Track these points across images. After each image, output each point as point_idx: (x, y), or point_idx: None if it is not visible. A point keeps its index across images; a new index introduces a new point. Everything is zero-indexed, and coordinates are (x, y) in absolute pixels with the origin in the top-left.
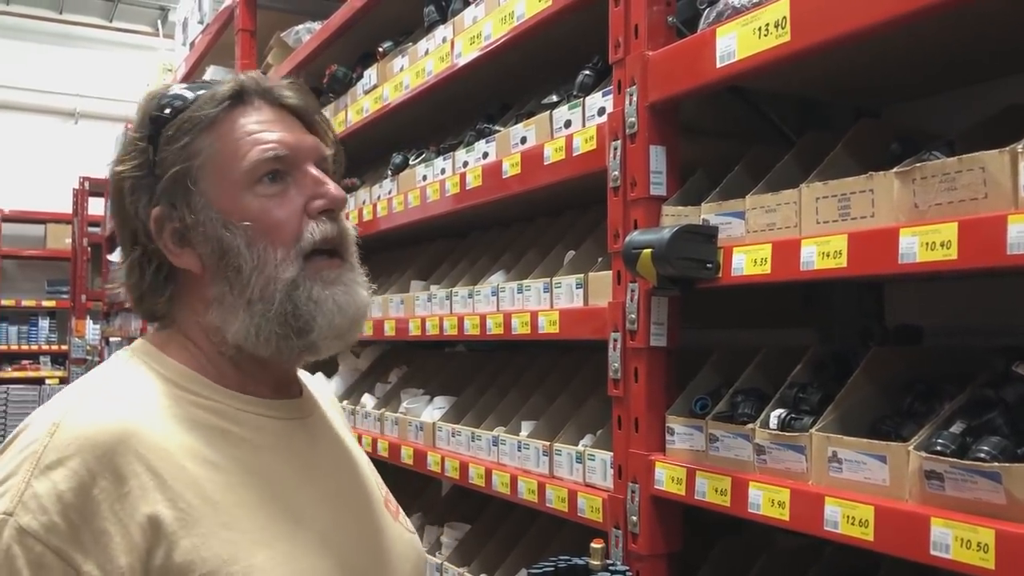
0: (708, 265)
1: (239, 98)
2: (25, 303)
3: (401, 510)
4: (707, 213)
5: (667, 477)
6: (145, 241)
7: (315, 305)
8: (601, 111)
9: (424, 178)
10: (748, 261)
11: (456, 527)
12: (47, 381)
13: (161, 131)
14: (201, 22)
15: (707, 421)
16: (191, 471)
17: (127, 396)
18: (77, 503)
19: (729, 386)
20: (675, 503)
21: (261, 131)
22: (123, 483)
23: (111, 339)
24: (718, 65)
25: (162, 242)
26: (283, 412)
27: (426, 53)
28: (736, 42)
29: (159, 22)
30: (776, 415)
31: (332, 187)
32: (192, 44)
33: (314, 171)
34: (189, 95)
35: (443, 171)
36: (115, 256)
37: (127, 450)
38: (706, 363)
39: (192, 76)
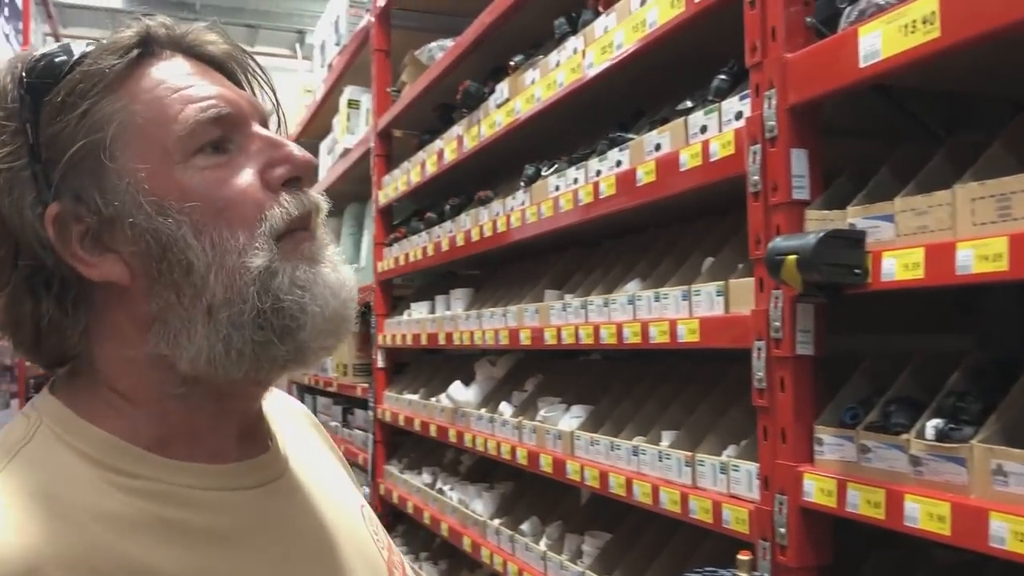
0: (856, 271)
1: (147, 47)
2: None
3: (406, 564)
4: (853, 217)
5: (816, 489)
6: (39, 254)
7: (302, 291)
8: (738, 115)
9: (557, 188)
10: (899, 266)
11: (597, 536)
12: None
13: (42, 101)
14: (338, 44)
15: (858, 431)
16: None
17: (31, 495)
18: None
19: (880, 395)
20: (825, 515)
21: (190, 85)
22: None
23: None
24: (861, 65)
25: (68, 250)
26: (252, 478)
27: (557, 65)
28: (881, 40)
29: (297, 45)
30: (933, 425)
31: (294, 148)
32: (330, 65)
33: (265, 132)
34: (73, 51)
35: (576, 181)
36: None
37: None
38: (856, 371)
39: (330, 96)
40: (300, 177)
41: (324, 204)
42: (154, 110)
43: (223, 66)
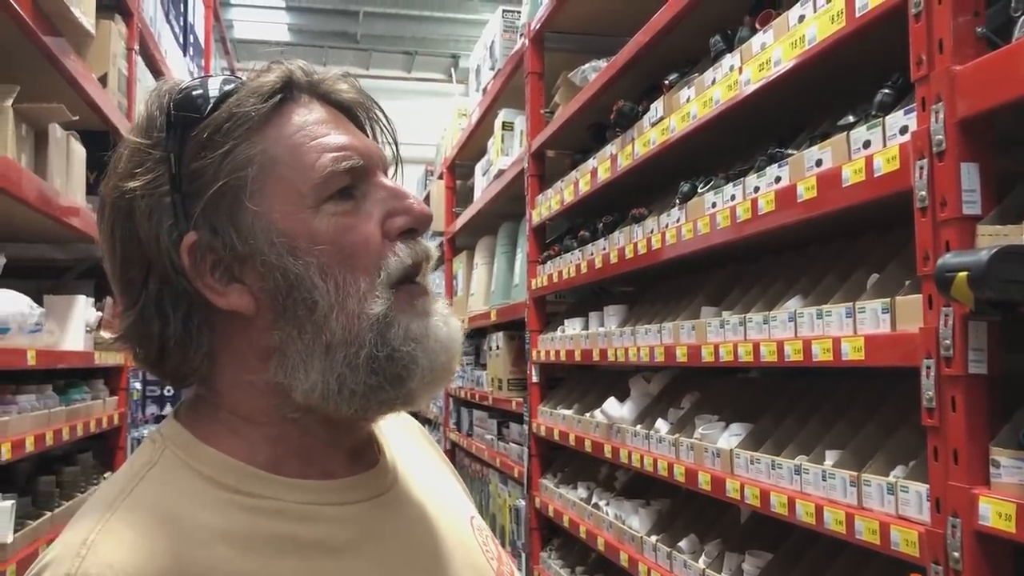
0: None
1: (288, 93)
2: None
3: (514, 567)
4: None
5: (993, 512)
6: (171, 277)
7: (415, 344)
8: (904, 130)
9: (713, 205)
10: None
11: (758, 555)
12: None
13: (188, 135)
14: (493, 68)
15: None
16: None
17: (157, 516)
18: None
19: None
20: (1003, 540)
21: (326, 134)
22: None
23: None
24: None
25: (200, 278)
26: (362, 492)
27: (713, 82)
28: None
29: (452, 69)
30: None
31: (414, 201)
32: (484, 89)
33: (388, 182)
34: (210, 87)
35: (733, 197)
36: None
37: None
38: None
39: (485, 119)
40: (416, 228)
41: (435, 252)
42: (292, 156)
43: (352, 113)
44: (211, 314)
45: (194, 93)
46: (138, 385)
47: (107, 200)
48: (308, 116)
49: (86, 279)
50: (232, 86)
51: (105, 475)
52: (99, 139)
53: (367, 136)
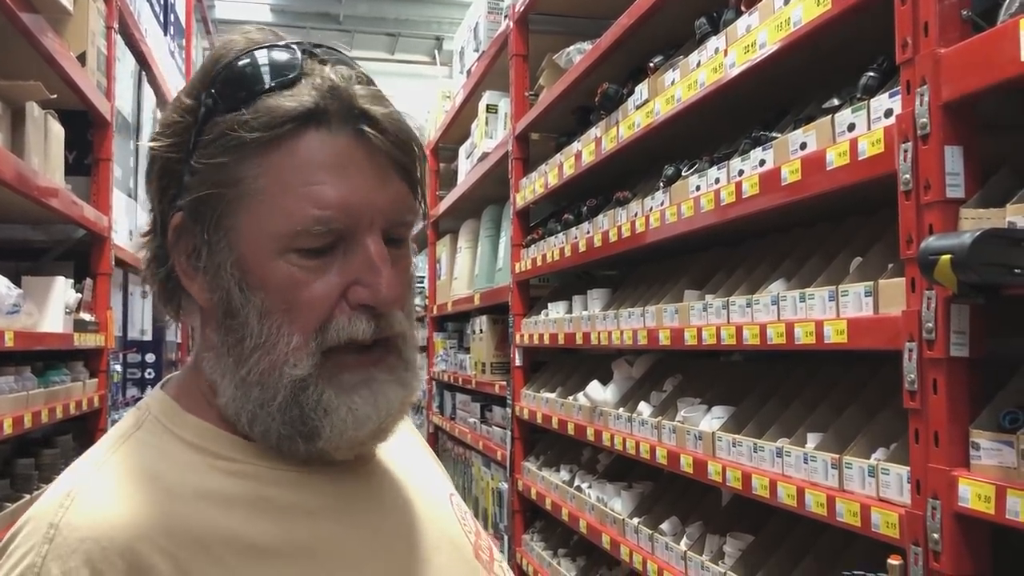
0: (1016, 270)
1: (311, 119)
2: None
3: (495, 550)
4: (1013, 215)
5: (972, 494)
6: (160, 229)
7: (324, 414)
8: (888, 113)
9: (697, 188)
10: None
11: (739, 537)
12: None
13: (215, 116)
14: (476, 50)
15: (1018, 436)
16: (233, 567)
17: (140, 473)
18: None
19: None
20: (982, 522)
21: (323, 181)
22: None
23: None
24: (1023, 58)
25: (177, 255)
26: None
27: (698, 65)
28: None
29: (435, 51)
30: None
31: (384, 281)
32: (468, 71)
33: (373, 248)
34: (261, 66)
35: (717, 180)
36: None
37: (148, 546)
38: (1015, 374)
39: (469, 101)
40: (376, 307)
41: (405, 331)
42: (278, 194)
43: (385, 148)
44: (175, 291)
45: (245, 69)
46: (118, 367)
47: (187, 97)
48: (316, 154)
49: (65, 260)
50: (272, 83)
51: None
52: (78, 118)
53: (383, 174)
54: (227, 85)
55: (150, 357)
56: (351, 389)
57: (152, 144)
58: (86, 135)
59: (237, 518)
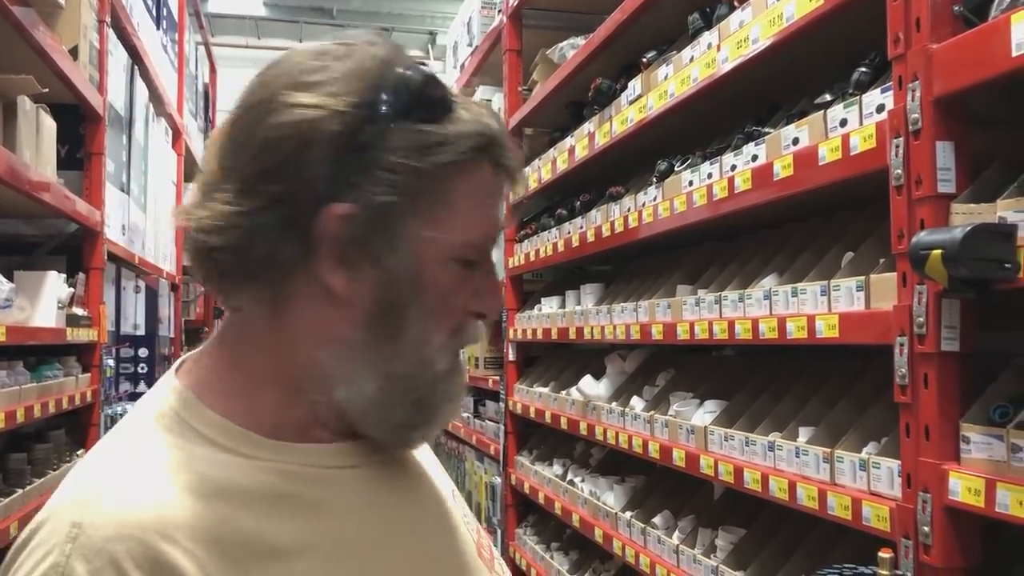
0: (1006, 265)
1: (487, 148)
2: None
3: (495, 552)
4: (1004, 210)
5: (963, 488)
6: (298, 222)
7: (449, 403)
8: (880, 108)
9: (690, 183)
10: None
11: (731, 531)
12: None
13: (394, 121)
14: (470, 44)
15: (1008, 430)
16: (255, 569)
17: (162, 472)
18: None
19: None
20: (972, 515)
21: (490, 206)
22: None
23: None
24: (1014, 54)
25: (324, 245)
26: (353, 457)
27: (691, 60)
28: None
29: (429, 46)
30: None
31: (500, 295)
32: (462, 66)
33: (493, 261)
34: (452, 105)
35: (710, 176)
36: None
37: (173, 547)
38: (1006, 368)
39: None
40: (486, 317)
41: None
42: (464, 211)
43: (509, 180)
44: (303, 274)
45: (433, 87)
46: (111, 362)
47: (271, 101)
48: (487, 182)
49: (58, 255)
50: (452, 109)
51: (79, 452)
52: (70, 112)
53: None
54: (417, 99)
55: (143, 352)
56: (461, 380)
57: (310, 115)
58: (78, 129)
59: (256, 516)
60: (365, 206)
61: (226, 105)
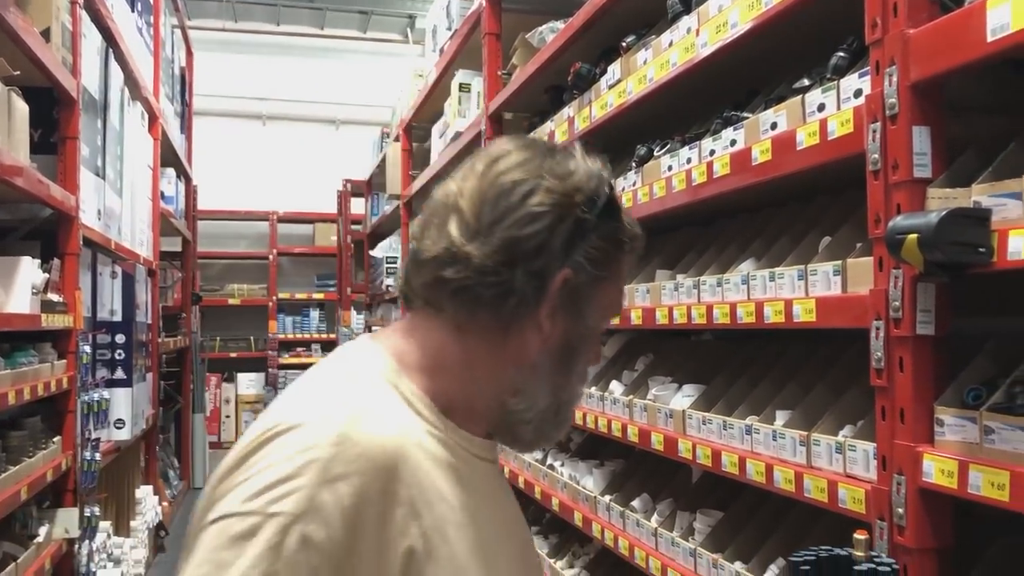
0: (980, 249)
1: (638, 244)
2: (298, 296)
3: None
4: (978, 195)
5: (936, 469)
6: (533, 273)
7: (568, 423)
8: (858, 93)
9: (669, 168)
10: None
11: (709, 514)
12: None
13: (603, 219)
14: (449, 28)
15: (981, 412)
16: (437, 510)
17: (395, 422)
18: (354, 521)
19: (1006, 376)
20: (945, 496)
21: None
22: (391, 510)
23: (374, 328)
24: (989, 39)
25: (550, 297)
26: (488, 453)
27: (670, 45)
28: (1011, 13)
29: (408, 30)
30: None
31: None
32: (441, 50)
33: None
34: (620, 203)
35: (689, 161)
36: (380, 248)
37: (400, 478)
38: (980, 352)
39: (442, 80)
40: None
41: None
42: (618, 288)
43: None
44: (530, 314)
45: (617, 198)
46: (88, 348)
47: (536, 185)
48: (630, 266)
49: (31, 240)
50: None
51: (55, 439)
52: (43, 96)
53: None
54: (614, 201)
55: (120, 338)
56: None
57: (575, 188)
58: (52, 113)
59: (441, 477)
60: (578, 274)
61: (203, 89)
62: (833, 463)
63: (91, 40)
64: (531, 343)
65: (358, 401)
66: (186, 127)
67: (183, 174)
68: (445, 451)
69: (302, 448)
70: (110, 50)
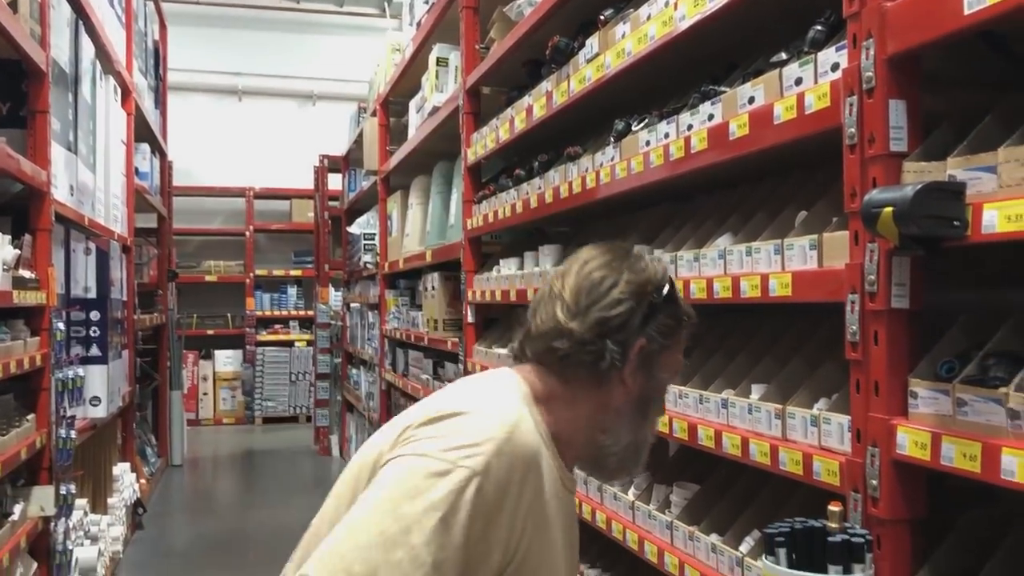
0: (955, 223)
1: (691, 322)
2: (275, 272)
3: None
4: (953, 168)
5: (910, 442)
6: (617, 342)
7: (642, 460)
8: (835, 67)
9: (647, 143)
10: (1001, 218)
11: (685, 487)
12: (296, 344)
13: (664, 302)
14: (426, 1)
15: (955, 385)
16: (537, 515)
17: (535, 435)
18: (504, 491)
19: (979, 349)
20: (918, 468)
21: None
22: (521, 497)
23: (352, 305)
24: (966, 12)
25: (632, 361)
26: (571, 486)
27: (648, 18)
28: None
29: (385, 3)
30: None
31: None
32: (418, 23)
33: None
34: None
35: (667, 135)
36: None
37: (532, 476)
38: (953, 325)
39: (419, 54)
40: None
41: None
42: (679, 351)
43: None
44: (617, 373)
45: (678, 295)
46: (61, 325)
47: (617, 280)
48: (685, 336)
49: (2, 216)
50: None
51: (28, 417)
52: (11, 68)
53: None
54: (671, 299)
55: (95, 315)
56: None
57: (648, 286)
58: (20, 86)
59: (548, 487)
60: (651, 343)
61: (178, 63)
62: (808, 436)
63: (60, 11)
64: (617, 395)
65: (516, 411)
66: (160, 102)
67: (158, 150)
68: (555, 470)
69: (485, 428)
70: (80, 22)
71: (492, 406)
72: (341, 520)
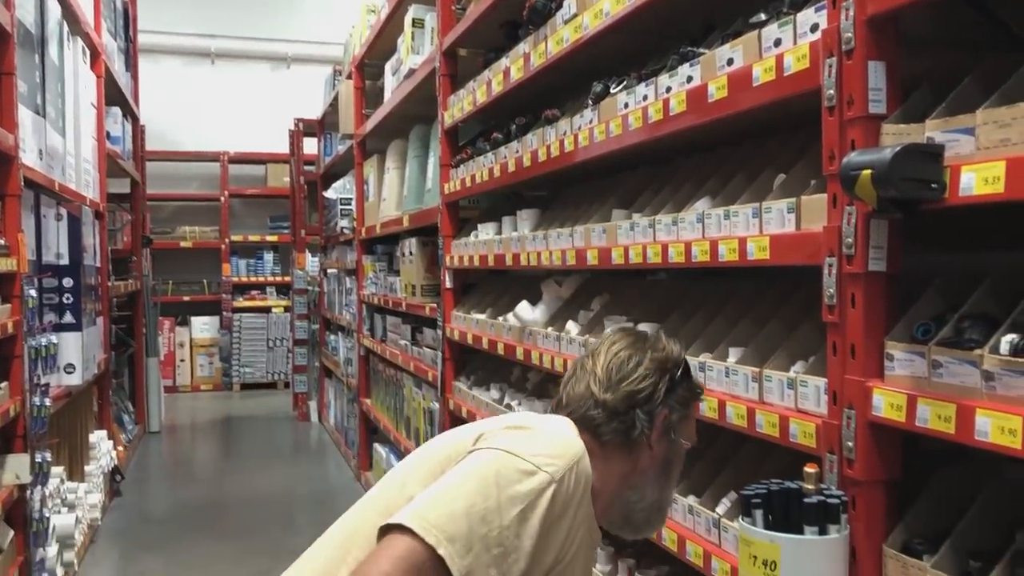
0: (933, 185)
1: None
2: (251, 238)
3: None
4: (932, 131)
5: (886, 403)
6: (644, 412)
7: (664, 518)
8: (814, 28)
9: (626, 106)
10: (978, 180)
11: None
12: (273, 310)
13: (681, 377)
14: None
15: (930, 347)
16: (585, 532)
17: (591, 471)
18: (567, 504)
19: (954, 311)
20: (893, 429)
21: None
22: (579, 511)
23: (329, 270)
24: None
25: (657, 428)
26: (596, 536)
27: None
28: None
29: None
30: (1008, 340)
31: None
32: None
33: None
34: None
35: (645, 98)
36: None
37: (587, 500)
38: (929, 288)
39: (395, 15)
40: None
41: None
42: (695, 418)
43: None
44: (644, 438)
45: (689, 370)
46: (33, 292)
47: (642, 359)
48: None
49: None
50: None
51: (1, 385)
52: None
53: None
54: (687, 374)
55: (68, 282)
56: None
57: (666, 366)
58: None
59: (583, 545)
60: (672, 412)
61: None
62: (785, 399)
63: None
64: (644, 458)
65: (581, 444)
66: (131, 65)
67: (130, 114)
68: (586, 526)
69: (563, 445)
70: None
71: (565, 433)
72: (417, 495)
